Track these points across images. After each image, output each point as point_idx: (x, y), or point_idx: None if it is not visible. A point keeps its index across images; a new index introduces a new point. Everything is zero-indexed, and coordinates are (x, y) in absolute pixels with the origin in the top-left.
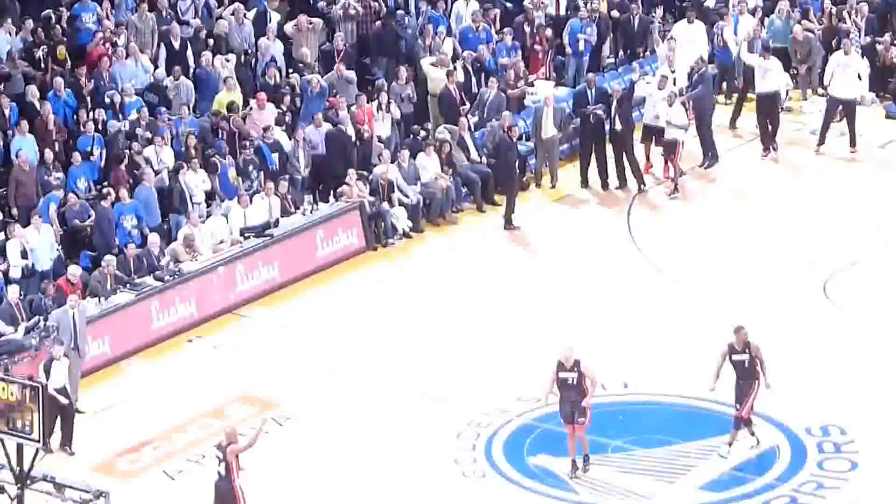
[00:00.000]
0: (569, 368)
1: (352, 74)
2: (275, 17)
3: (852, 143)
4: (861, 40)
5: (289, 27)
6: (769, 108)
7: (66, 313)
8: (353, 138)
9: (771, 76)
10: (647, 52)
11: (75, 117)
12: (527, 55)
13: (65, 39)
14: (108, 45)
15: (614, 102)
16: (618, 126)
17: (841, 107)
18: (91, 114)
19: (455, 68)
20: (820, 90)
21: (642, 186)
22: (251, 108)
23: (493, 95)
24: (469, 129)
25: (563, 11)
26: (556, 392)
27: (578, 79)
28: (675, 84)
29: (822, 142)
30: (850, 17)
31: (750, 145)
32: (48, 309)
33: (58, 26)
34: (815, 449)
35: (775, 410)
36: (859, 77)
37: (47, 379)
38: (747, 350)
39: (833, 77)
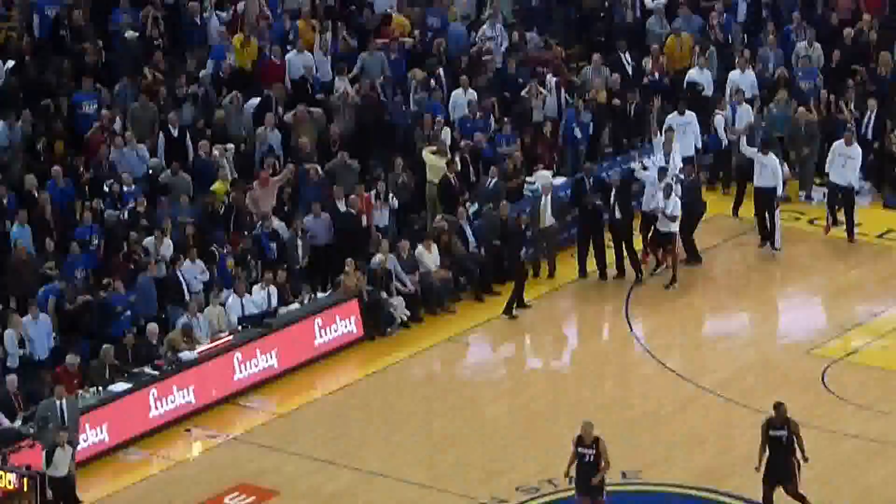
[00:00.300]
0: (587, 444)
1: (354, 162)
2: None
3: (850, 233)
4: (869, 133)
5: (288, 116)
6: (766, 203)
7: (53, 404)
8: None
9: (767, 172)
10: (646, 141)
11: (73, 206)
12: (526, 143)
13: (64, 133)
14: (106, 133)
15: (613, 191)
16: (617, 215)
17: (840, 195)
18: (89, 203)
19: (454, 157)
20: (817, 179)
21: (640, 276)
22: (254, 186)
23: (493, 184)
24: (468, 218)
25: (562, 101)
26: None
27: (576, 167)
28: (668, 173)
29: (834, 223)
30: (846, 107)
31: (749, 234)
32: (46, 398)
33: (58, 118)
34: None
35: (774, 500)
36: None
37: (48, 466)
38: (786, 426)
39: (832, 165)
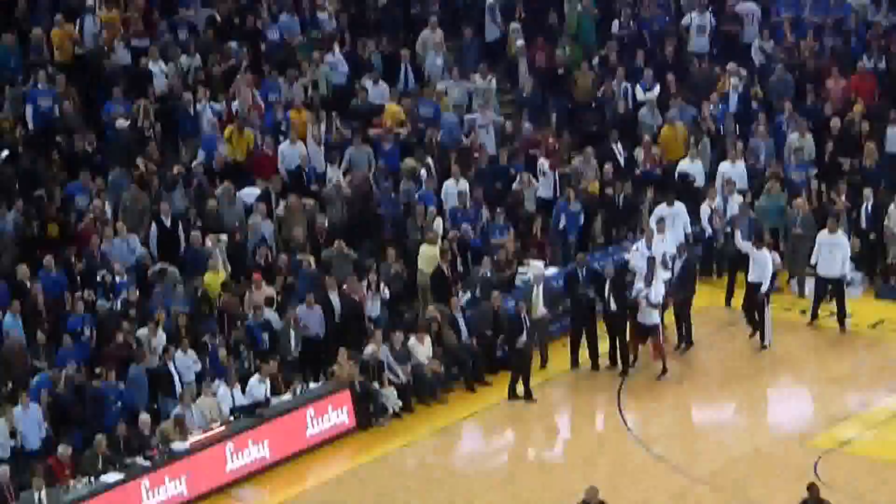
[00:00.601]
0: None
1: (351, 251)
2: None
3: (841, 323)
4: (865, 223)
5: (280, 208)
6: (757, 298)
7: (32, 496)
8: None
9: (757, 268)
10: (637, 232)
11: (66, 296)
12: (518, 233)
13: (58, 223)
14: (98, 223)
15: (608, 282)
16: (612, 306)
17: (830, 286)
18: (81, 293)
19: (446, 247)
20: (808, 269)
21: (629, 369)
22: (249, 288)
23: (485, 274)
24: (460, 308)
25: (557, 184)
26: None
27: (568, 258)
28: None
29: (814, 317)
30: (839, 198)
31: (740, 324)
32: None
33: (51, 208)
34: None
35: None
36: (851, 257)
37: None
38: None
39: (819, 256)
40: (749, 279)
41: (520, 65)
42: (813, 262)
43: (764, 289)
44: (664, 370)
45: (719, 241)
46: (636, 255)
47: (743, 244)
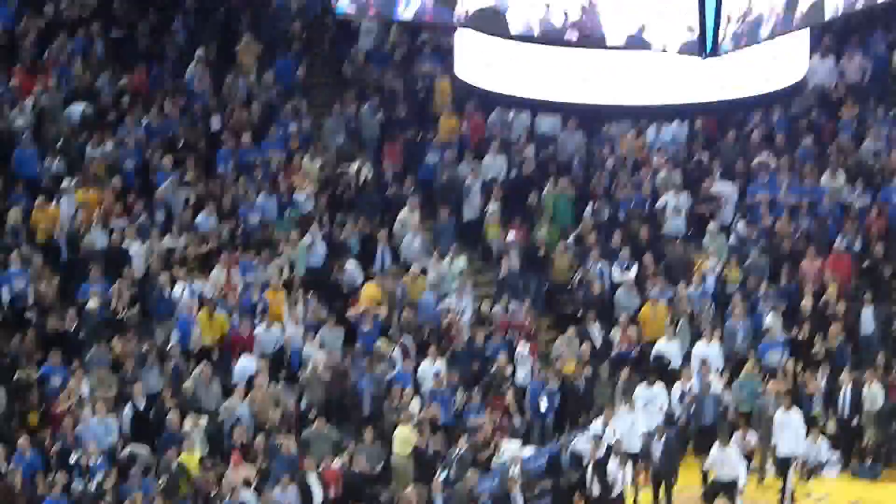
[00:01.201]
0: None
1: (333, 431)
2: None
3: (791, 500)
4: (846, 409)
5: (255, 389)
6: (725, 495)
7: None
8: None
9: (726, 466)
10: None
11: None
12: (494, 414)
13: (36, 405)
14: (72, 405)
15: (590, 464)
16: (595, 491)
17: (787, 464)
18: (53, 476)
19: (420, 428)
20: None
21: None
22: (229, 466)
23: (462, 454)
24: (441, 489)
25: (534, 369)
26: None
27: (546, 438)
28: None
29: (791, 498)
30: (814, 377)
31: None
32: None
33: (28, 390)
34: None
35: None
36: (826, 435)
37: None
38: None
39: (776, 436)
40: (717, 477)
41: (510, 252)
42: (772, 442)
43: (740, 485)
44: None
45: (682, 419)
46: (586, 438)
47: (707, 464)
